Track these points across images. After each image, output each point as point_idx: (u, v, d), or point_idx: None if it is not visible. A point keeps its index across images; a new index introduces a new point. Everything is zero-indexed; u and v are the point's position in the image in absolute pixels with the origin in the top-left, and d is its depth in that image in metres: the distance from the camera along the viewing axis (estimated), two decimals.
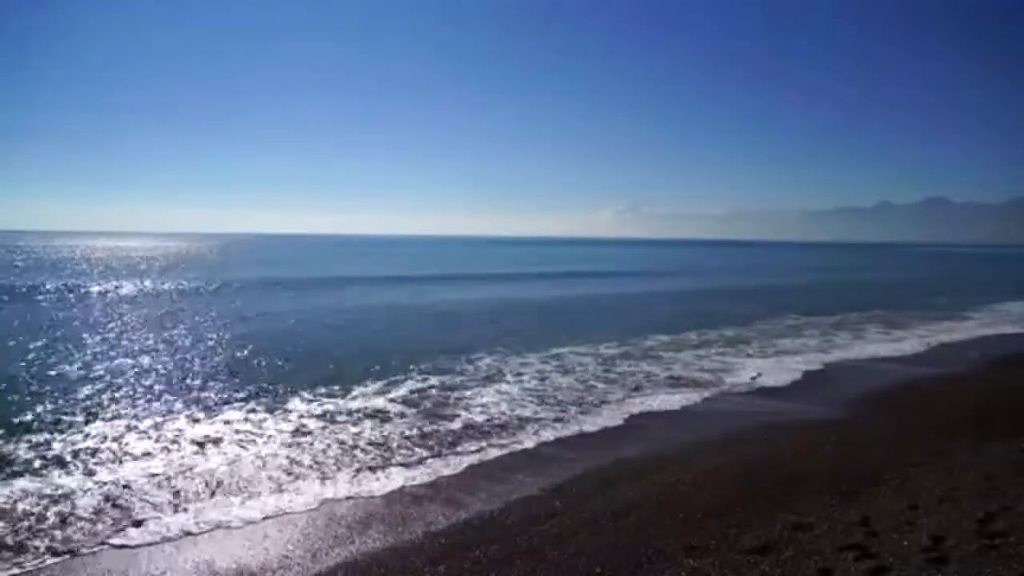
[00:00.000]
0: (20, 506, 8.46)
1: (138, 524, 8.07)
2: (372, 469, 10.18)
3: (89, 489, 9.07)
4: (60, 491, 8.97)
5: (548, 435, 12.06)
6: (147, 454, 10.55)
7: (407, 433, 11.96)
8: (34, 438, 11.14)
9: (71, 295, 37.46)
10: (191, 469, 9.95)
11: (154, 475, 9.65)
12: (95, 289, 41.47)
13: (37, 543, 7.53)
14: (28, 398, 13.79)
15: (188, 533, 7.92)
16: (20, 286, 40.78)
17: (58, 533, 7.79)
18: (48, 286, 41.76)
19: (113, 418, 12.55)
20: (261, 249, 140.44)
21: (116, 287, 42.89)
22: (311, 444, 11.27)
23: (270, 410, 13.29)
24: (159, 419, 12.52)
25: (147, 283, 45.41)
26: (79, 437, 11.27)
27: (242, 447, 11.04)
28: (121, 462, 10.18)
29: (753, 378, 17.13)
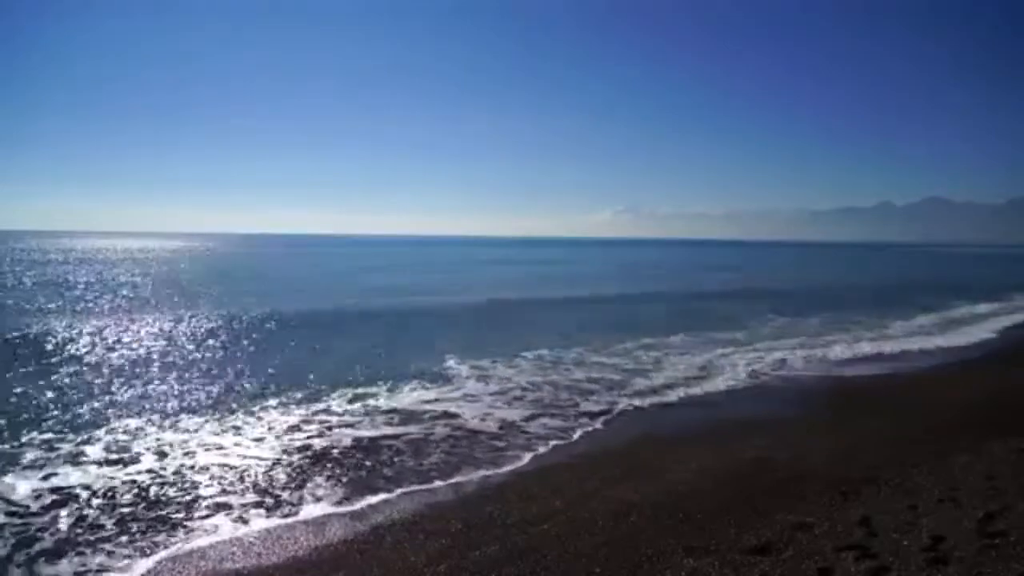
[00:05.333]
0: None
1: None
2: (370, 469, 10.19)
3: None
4: None
5: (544, 436, 12.05)
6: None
7: (405, 435, 11.98)
8: None
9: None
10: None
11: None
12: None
13: None
14: None
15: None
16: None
17: None
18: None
19: None
20: (262, 251, 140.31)
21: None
22: (310, 449, 11.29)
23: (270, 419, 13.31)
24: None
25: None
26: None
27: (250, 458, 11.07)
28: None
29: (749, 378, 17.12)
